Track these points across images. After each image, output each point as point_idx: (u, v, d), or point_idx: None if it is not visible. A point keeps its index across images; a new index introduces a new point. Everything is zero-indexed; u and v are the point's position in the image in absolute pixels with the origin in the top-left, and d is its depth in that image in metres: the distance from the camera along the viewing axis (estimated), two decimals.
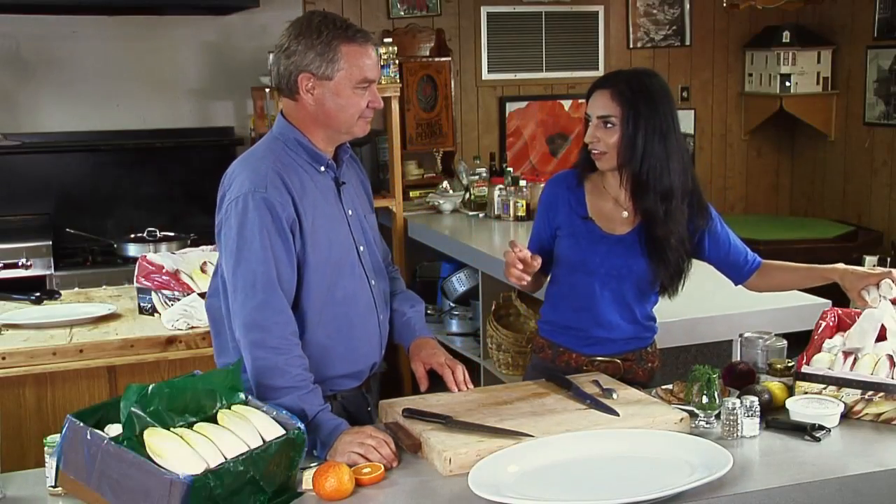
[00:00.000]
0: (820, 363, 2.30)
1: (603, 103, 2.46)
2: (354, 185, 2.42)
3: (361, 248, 2.35)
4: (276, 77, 2.27)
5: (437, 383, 2.38)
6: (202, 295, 3.09)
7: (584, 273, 2.55)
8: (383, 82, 4.83)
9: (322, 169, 2.28)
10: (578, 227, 2.56)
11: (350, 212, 2.34)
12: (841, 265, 2.49)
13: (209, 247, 3.38)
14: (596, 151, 2.49)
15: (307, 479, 1.91)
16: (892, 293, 2.35)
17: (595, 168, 2.56)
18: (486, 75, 6.03)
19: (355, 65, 2.20)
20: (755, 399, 2.15)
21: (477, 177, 5.31)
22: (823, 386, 2.25)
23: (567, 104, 6.21)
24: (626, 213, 2.56)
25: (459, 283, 4.81)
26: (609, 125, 2.45)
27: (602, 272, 2.54)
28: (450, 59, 5.81)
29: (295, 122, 2.27)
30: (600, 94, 2.48)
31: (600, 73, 6.19)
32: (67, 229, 4.88)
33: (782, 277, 2.63)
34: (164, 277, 3.23)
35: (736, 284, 2.68)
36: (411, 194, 5.44)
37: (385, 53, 4.85)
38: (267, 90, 4.92)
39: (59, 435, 1.89)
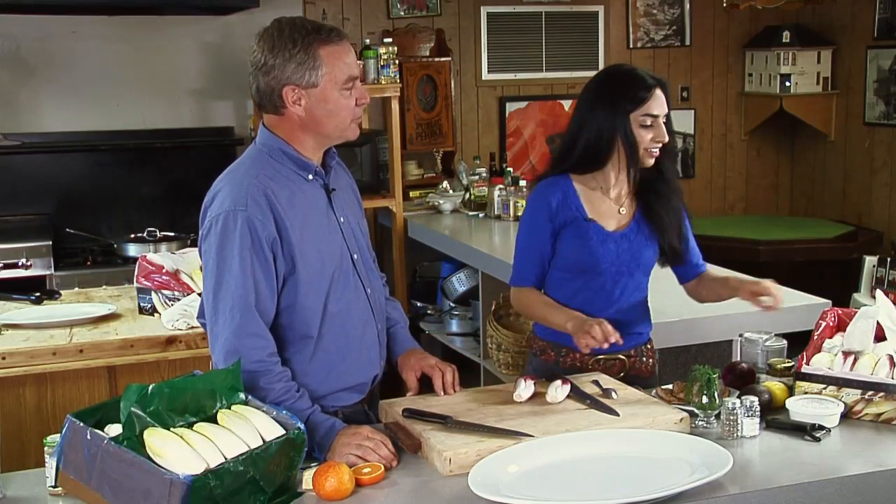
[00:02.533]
0: (820, 363, 2.30)
1: (664, 102, 2.51)
2: (345, 191, 2.36)
3: (356, 257, 2.29)
4: (256, 95, 2.21)
5: (429, 387, 2.37)
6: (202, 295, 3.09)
7: (594, 274, 2.56)
8: (383, 82, 4.83)
9: (310, 177, 2.23)
10: (584, 229, 2.56)
11: (342, 219, 2.29)
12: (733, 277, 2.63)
13: None
14: (657, 150, 2.52)
15: (307, 479, 1.91)
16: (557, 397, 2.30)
17: (585, 169, 2.57)
18: (486, 75, 6.03)
19: (337, 65, 2.14)
20: (755, 399, 2.15)
21: (477, 177, 5.31)
22: (823, 386, 2.25)
23: (567, 104, 6.20)
24: (623, 210, 2.58)
25: (459, 283, 4.81)
26: (665, 122, 2.52)
27: (613, 270, 2.56)
28: (450, 59, 5.81)
29: (280, 132, 2.22)
30: (660, 94, 2.51)
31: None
32: (67, 229, 4.88)
33: (709, 289, 2.70)
34: (164, 277, 3.23)
35: (680, 283, 2.76)
36: (411, 194, 5.44)
37: (385, 53, 4.85)
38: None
39: (59, 435, 1.89)
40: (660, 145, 2.51)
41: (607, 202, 2.58)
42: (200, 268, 3.23)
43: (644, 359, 2.68)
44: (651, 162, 2.53)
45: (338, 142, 2.27)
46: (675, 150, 2.64)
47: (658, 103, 2.49)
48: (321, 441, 2.07)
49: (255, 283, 2.11)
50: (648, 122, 2.49)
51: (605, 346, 2.35)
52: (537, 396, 2.32)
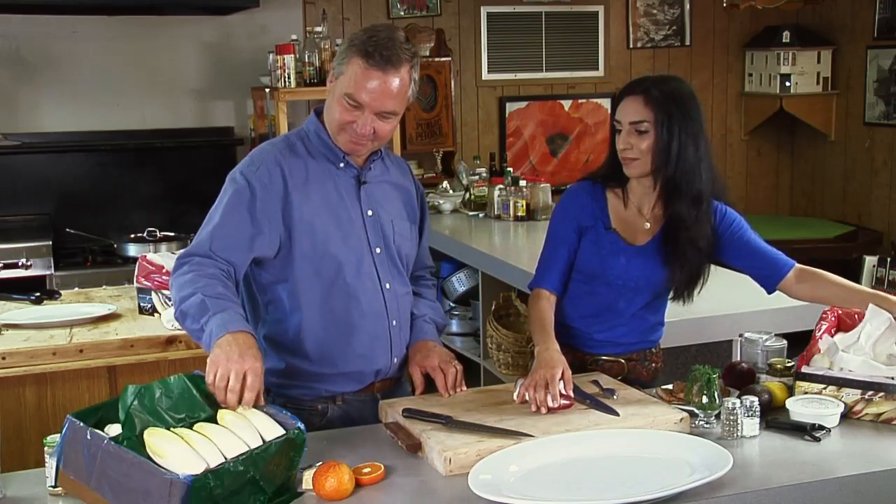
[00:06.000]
0: (820, 363, 2.30)
1: (635, 109, 2.42)
2: (387, 188, 2.39)
3: (378, 251, 2.33)
4: None
5: (433, 386, 2.37)
6: None
7: (602, 283, 2.55)
8: None
9: (341, 165, 2.30)
10: (602, 237, 2.54)
11: (370, 212, 2.33)
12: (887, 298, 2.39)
13: None
14: (629, 158, 2.45)
15: (307, 479, 1.91)
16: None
17: (616, 179, 2.54)
18: (486, 75, 6.03)
19: (352, 78, 2.18)
20: (755, 399, 2.15)
21: (477, 177, 5.31)
22: (823, 386, 2.25)
23: (567, 104, 6.21)
24: (647, 225, 2.54)
25: (459, 283, 4.81)
26: (642, 131, 2.42)
27: (620, 283, 2.54)
28: (450, 59, 5.81)
29: (324, 116, 2.30)
30: (632, 100, 2.44)
31: (600, 73, 6.20)
32: (67, 229, 4.88)
33: (828, 292, 2.51)
34: (164, 277, 3.23)
35: (768, 292, 2.61)
36: None
37: None
38: (267, 90, 4.92)
39: (59, 435, 1.89)
40: (628, 155, 2.44)
41: (634, 213, 2.55)
42: None
43: (646, 363, 2.67)
44: (629, 171, 2.47)
45: (339, 143, 2.29)
46: (696, 191, 2.46)
47: (623, 109, 2.45)
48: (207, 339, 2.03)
49: (232, 228, 2.18)
50: (618, 128, 2.47)
51: (543, 410, 2.22)
52: None
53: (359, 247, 2.30)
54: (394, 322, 2.36)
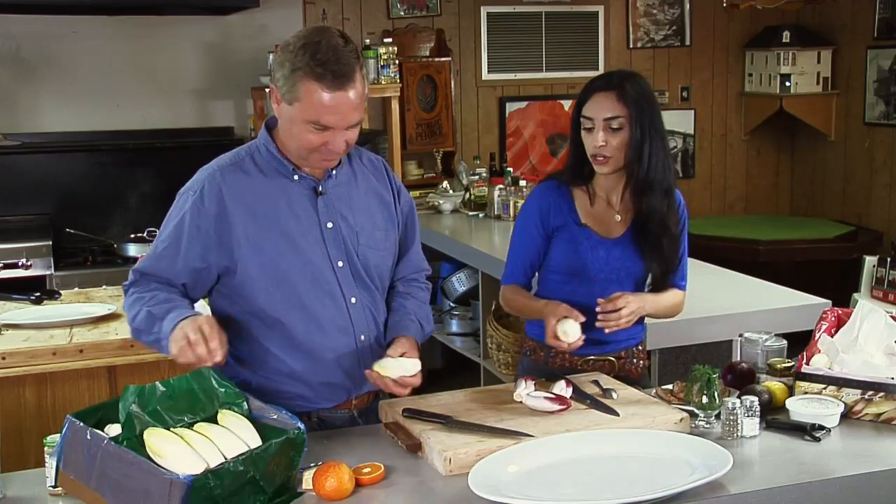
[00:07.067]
0: (820, 363, 2.30)
1: (609, 105, 2.42)
2: (356, 196, 2.28)
3: (340, 264, 2.21)
4: None
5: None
6: None
7: (583, 280, 2.55)
8: (383, 82, 4.82)
9: (296, 178, 2.20)
10: (576, 234, 2.54)
11: (330, 224, 2.21)
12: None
13: None
14: (602, 156, 2.44)
15: (307, 479, 1.91)
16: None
17: (582, 175, 2.54)
18: (486, 75, 6.04)
19: (311, 105, 2.05)
20: (755, 399, 2.15)
21: (477, 177, 5.31)
22: (823, 386, 2.25)
23: (567, 104, 6.21)
24: (618, 217, 2.55)
25: (459, 283, 4.81)
26: (615, 128, 2.42)
27: (602, 277, 2.54)
28: (450, 59, 5.81)
29: (276, 131, 2.20)
30: (604, 96, 2.42)
31: (600, 73, 6.19)
32: (67, 229, 4.89)
33: None
34: None
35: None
36: (411, 194, 5.43)
37: (385, 53, 4.86)
38: (267, 90, 4.92)
39: (59, 435, 1.89)
40: (601, 153, 2.44)
41: (603, 207, 2.56)
42: None
43: (635, 360, 2.67)
44: (601, 170, 2.47)
45: (301, 163, 2.20)
46: (667, 184, 2.48)
47: (596, 106, 2.43)
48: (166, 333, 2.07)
49: (170, 255, 2.20)
50: (588, 126, 2.45)
51: (566, 346, 2.41)
52: None
53: (317, 263, 2.19)
54: (362, 337, 2.25)
